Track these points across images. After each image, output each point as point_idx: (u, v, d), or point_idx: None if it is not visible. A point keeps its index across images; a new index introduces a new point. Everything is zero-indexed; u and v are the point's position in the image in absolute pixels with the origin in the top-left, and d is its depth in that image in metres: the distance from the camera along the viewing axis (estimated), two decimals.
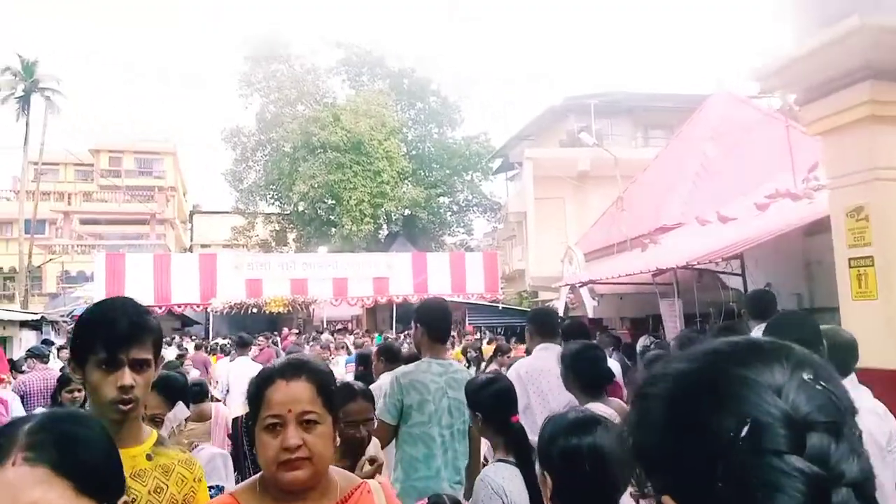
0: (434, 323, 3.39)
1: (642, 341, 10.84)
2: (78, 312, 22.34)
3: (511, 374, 3.74)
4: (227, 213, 34.52)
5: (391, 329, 20.30)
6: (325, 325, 20.80)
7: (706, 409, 0.65)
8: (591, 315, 10.81)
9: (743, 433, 0.61)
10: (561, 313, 12.00)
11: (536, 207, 19.28)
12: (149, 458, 1.66)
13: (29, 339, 12.78)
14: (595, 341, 5.48)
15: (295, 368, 1.48)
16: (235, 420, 5.20)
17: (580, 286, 10.88)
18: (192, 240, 45.15)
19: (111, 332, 1.56)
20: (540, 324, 4.13)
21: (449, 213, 33.22)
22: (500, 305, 16.47)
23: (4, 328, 10.33)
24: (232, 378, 7.85)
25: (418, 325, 3.41)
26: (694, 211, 11.82)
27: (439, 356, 3.36)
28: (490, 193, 33.16)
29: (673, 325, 9.95)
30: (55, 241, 34.82)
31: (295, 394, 1.43)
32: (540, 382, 3.73)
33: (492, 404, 2.57)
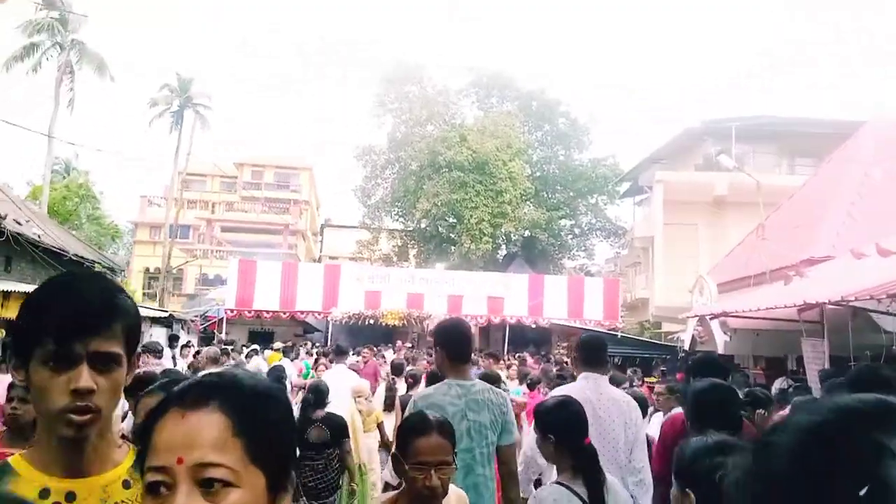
0: (453, 344, 3.32)
1: (779, 383, 9.79)
2: (211, 313, 23.85)
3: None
4: (354, 227, 35.71)
5: (504, 350, 19.87)
6: None
7: (828, 469, 0.63)
8: (721, 350, 9.88)
9: (862, 493, 0.59)
10: (687, 346, 11.12)
11: (665, 233, 18.25)
12: (126, 485, 1.25)
13: (159, 335, 13.65)
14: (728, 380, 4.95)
15: (203, 390, 0.87)
16: None
17: (711, 318, 9.99)
18: (321, 251, 47.20)
19: (63, 313, 1.14)
20: (587, 351, 3.97)
21: (570, 237, 32.43)
22: (619, 334, 15.59)
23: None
24: None
25: (437, 347, 3.35)
26: (847, 243, 10.61)
27: (462, 377, 3.27)
28: (615, 218, 32.10)
29: (817, 368, 8.89)
30: (197, 245, 37.53)
31: (192, 433, 0.84)
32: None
33: (564, 427, 2.55)
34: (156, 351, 6.83)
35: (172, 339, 12.62)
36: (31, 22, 23.99)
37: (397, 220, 32.48)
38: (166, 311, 16.06)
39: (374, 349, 14.40)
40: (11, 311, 8.73)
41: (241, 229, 39.34)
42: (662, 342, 14.05)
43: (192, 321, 21.21)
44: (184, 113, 29.90)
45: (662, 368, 10.25)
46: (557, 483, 2.39)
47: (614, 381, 8.02)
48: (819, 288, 8.73)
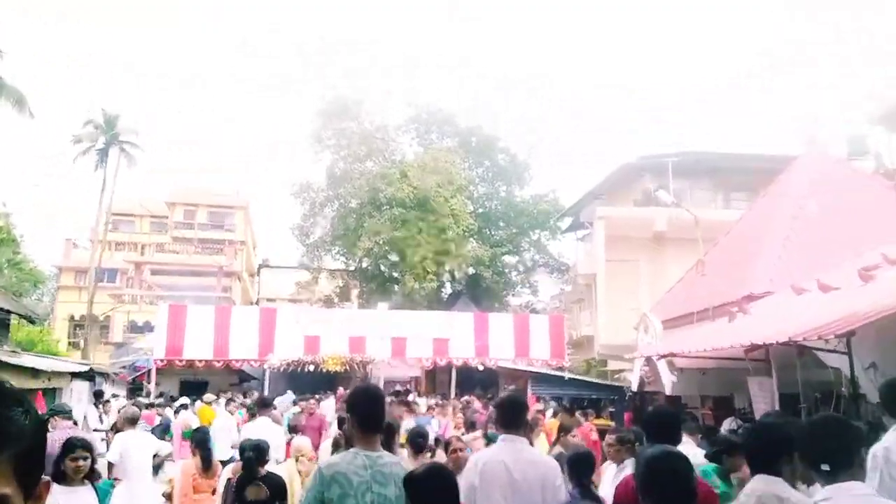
0: (363, 411, 3.26)
1: (728, 424, 9.61)
2: (140, 363, 22.47)
3: (469, 465, 3.88)
4: (293, 268, 34.78)
5: (450, 394, 19.32)
6: (382, 387, 20.02)
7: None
8: (668, 391, 9.65)
9: None
10: (634, 388, 10.85)
11: (608, 269, 18.25)
12: None
13: (81, 389, 12.58)
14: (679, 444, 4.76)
15: None
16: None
17: (658, 359, 9.77)
18: (259, 293, 45.75)
19: None
20: (505, 413, 3.98)
21: (514, 273, 32.33)
22: (567, 375, 15.31)
23: (49, 379, 9.98)
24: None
25: (348, 413, 3.31)
26: (785, 278, 10.63)
27: (370, 447, 3.19)
28: (558, 254, 32.25)
29: (765, 407, 8.74)
30: (125, 290, 35.80)
31: None
32: (498, 478, 3.65)
33: (432, 497, 2.61)
34: (63, 412, 6.11)
35: (97, 396, 11.62)
36: None
37: (338, 259, 31.76)
38: (87, 364, 14.77)
39: (316, 398, 13.59)
40: None
41: (173, 272, 37.81)
42: (610, 382, 13.83)
43: (116, 374, 19.89)
44: (109, 150, 28.65)
45: (611, 409, 9.94)
46: None
47: (564, 429, 7.62)
48: (763, 326, 8.62)
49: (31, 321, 14.52)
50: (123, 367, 23.83)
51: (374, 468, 3.07)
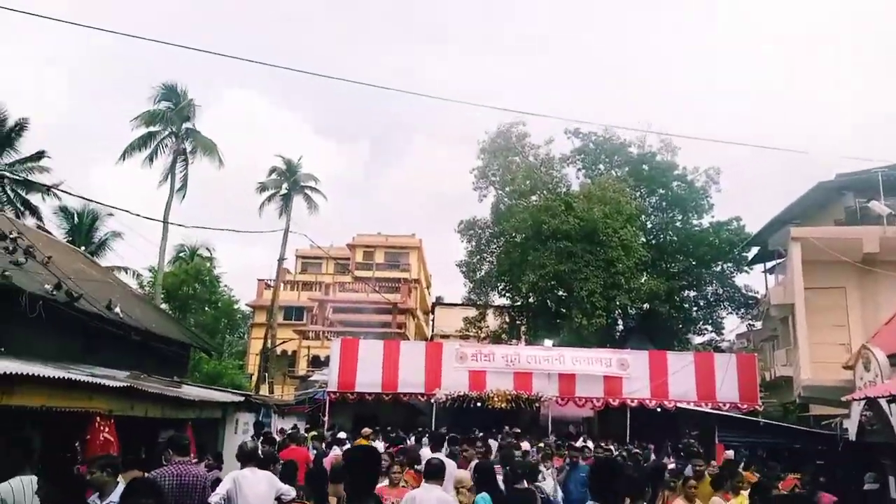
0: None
1: None
2: (318, 396, 23.38)
3: None
4: (464, 305, 34.92)
5: (626, 438, 17.77)
6: (550, 428, 19.01)
7: None
8: None
9: None
10: (852, 435, 8.92)
11: (808, 299, 15.79)
12: None
13: (248, 420, 13.07)
14: None
15: None
16: None
17: (889, 399, 7.87)
18: (433, 330, 46.74)
19: None
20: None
21: (695, 309, 29.75)
22: (762, 421, 13.27)
23: (202, 410, 10.09)
24: None
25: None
26: None
27: None
28: (744, 287, 29.21)
29: None
30: (310, 327, 38.08)
31: None
32: None
33: None
34: (180, 445, 5.46)
35: (257, 427, 11.88)
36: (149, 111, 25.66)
37: (504, 294, 31.32)
38: (241, 395, 14.64)
39: (477, 440, 12.07)
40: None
41: (352, 309, 39.66)
42: (815, 429, 11.68)
43: (285, 406, 20.81)
44: (292, 196, 30.86)
45: (819, 462, 8.22)
46: None
47: (762, 488, 6.08)
48: None
49: (209, 354, 15.61)
50: (303, 401, 24.96)
51: None
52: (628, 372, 19.72)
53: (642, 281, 26.54)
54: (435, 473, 5.44)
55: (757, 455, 9.82)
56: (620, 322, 29.54)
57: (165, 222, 21.76)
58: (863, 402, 8.42)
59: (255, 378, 32.53)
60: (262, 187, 31.19)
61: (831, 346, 13.13)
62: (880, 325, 12.35)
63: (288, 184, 31.10)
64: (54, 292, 9.26)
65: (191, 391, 10.29)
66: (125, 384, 7.63)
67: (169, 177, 26.30)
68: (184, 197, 26.48)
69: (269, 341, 29.18)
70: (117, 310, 10.94)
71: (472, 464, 7.85)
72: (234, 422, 12.11)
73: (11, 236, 9.82)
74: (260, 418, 14.51)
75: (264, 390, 28.26)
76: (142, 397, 7.94)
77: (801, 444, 10.14)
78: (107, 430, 7.07)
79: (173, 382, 10.53)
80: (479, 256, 31.14)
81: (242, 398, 13.03)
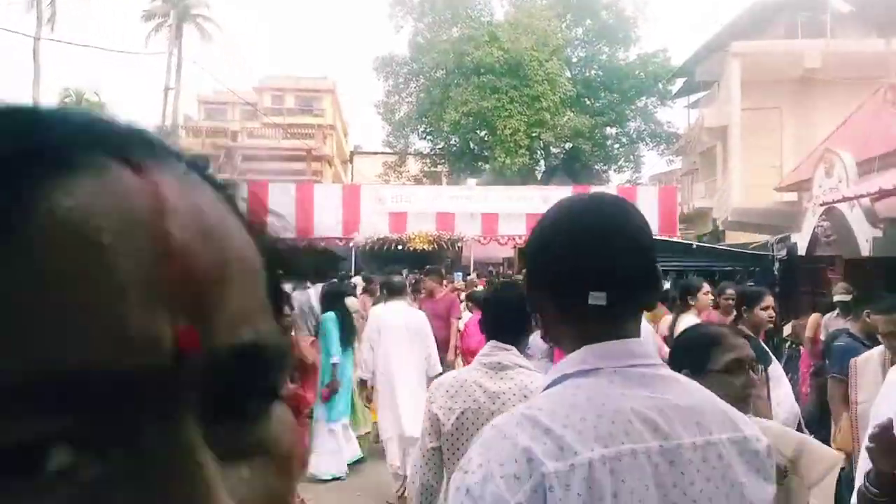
0: None
1: None
2: None
3: None
4: (385, 153, 33.36)
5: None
6: (472, 267, 18.65)
7: None
8: (866, 252, 7.19)
9: None
10: (802, 249, 8.51)
11: (742, 120, 15.20)
12: None
13: None
14: None
15: None
16: None
17: (854, 201, 7.07)
18: (352, 179, 45.17)
19: None
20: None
21: (616, 146, 29.33)
22: (695, 243, 13.02)
23: None
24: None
25: None
26: None
27: None
28: (666, 123, 28.80)
29: None
30: (218, 176, 35.74)
31: None
32: None
33: None
34: None
35: None
36: None
37: (424, 138, 29.89)
38: None
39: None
40: None
41: (263, 157, 37.28)
42: (751, 251, 11.46)
43: None
44: (183, 27, 27.33)
45: (751, 283, 7.89)
46: None
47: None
48: None
49: None
50: None
51: None
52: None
53: (567, 118, 25.57)
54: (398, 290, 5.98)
55: (684, 276, 9.51)
56: (542, 162, 28.91)
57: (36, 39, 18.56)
58: (818, 213, 7.94)
59: None
60: (147, 16, 27.38)
61: (763, 168, 12.76)
62: (816, 145, 11.90)
63: (176, 11, 27.38)
64: None
65: None
66: None
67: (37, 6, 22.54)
68: (52, 28, 22.90)
69: None
70: None
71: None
72: None
73: None
74: None
75: None
76: None
77: (735, 265, 9.93)
78: None
79: None
80: (397, 96, 29.22)
81: None
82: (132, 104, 69.91)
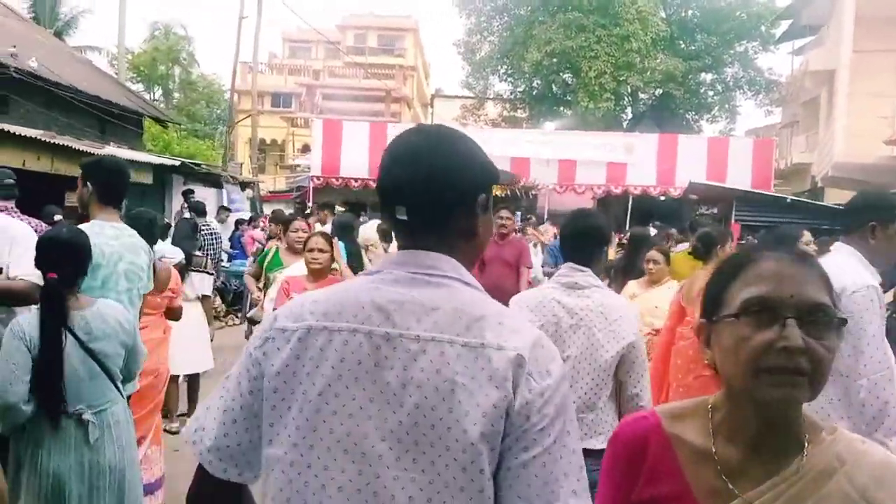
0: (106, 181, 3.14)
1: None
2: (303, 183, 22.24)
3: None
4: (466, 97, 32.55)
5: (626, 226, 16.73)
6: (546, 217, 18.01)
7: None
8: None
9: None
10: None
11: (854, 64, 13.65)
12: None
13: (210, 196, 11.99)
14: None
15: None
16: None
17: None
18: (431, 122, 44.75)
19: None
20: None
21: (711, 93, 27.40)
22: (789, 197, 11.88)
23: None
24: None
25: (87, 182, 3.11)
26: None
27: (113, 220, 3.14)
28: (767, 70, 26.55)
29: None
30: (298, 114, 36.03)
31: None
32: None
33: None
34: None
35: (185, 195, 10.49)
36: None
37: (505, 80, 28.86)
38: (175, 159, 12.53)
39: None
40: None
41: (344, 97, 37.26)
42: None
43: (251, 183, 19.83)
44: None
45: None
46: None
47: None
48: None
49: (163, 124, 13.99)
50: (291, 189, 24.00)
51: (121, 239, 3.05)
52: (633, 157, 18.25)
53: (658, 61, 23.93)
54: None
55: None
56: (629, 109, 27.44)
57: None
58: None
59: (244, 166, 31.30)
60: None
61: (872, 119, 11.43)
62: None
63: None
64: None
65: (112, 150, 8.96)
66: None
67: None
68: None
69: (253, 130, 27.24)
70: (32, 62, 9.19)
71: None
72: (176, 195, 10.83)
73: None
74: (225, 202, 13.36)
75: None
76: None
77: (829, 224, 8.94)
78: None
79: (95, 143, 9.12)
80: (478, 35, 28.16)
81: (178, 163, 11.62)
82: (217, 38, 70.84)
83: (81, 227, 2.95)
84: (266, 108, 37.67)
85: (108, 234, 2.99)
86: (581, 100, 23.06)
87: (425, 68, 51.54)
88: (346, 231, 6.42)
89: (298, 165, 29.91)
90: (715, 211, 15.85)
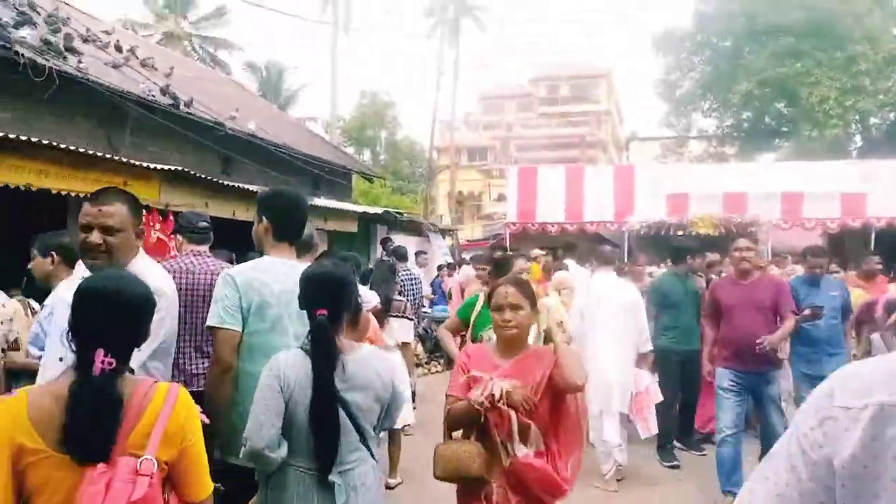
0: (282, 214, 2.88)
1: None
2: (499, 230, 22.46)
3: None
4: (663, 138, 31.25)
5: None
6: (770, 256, 16.20)
7: None
8: None
9: None
10: None
11: None
12: None
13: (411, 244, 12.40)
14: None
15: None
16: None
17: None
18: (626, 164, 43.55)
19: None
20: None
21: None
22: None
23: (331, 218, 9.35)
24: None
25: (262, 216, 2.86)
26: None
27: (285, 257, 2.84)
28: None
29: None
30: (493, 165, 36.88)
31: None
32: None
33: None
34: (193, 228, 3.91)
35: (384, 242, 10.75)
36: None
37: (709, 115, 27.15)
38: (379, 209, 13.47)
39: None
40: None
41: (537, 146, 37.59)
42: None
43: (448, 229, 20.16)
44: (460, 20, 28.30)
45: None
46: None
47: None
48: None
49: (369, 180, 14.81)
50: (488, 237, 24.36)
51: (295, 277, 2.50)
52: (873, 186, 15.92)
53: (892, 81, 21.07)
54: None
55: None
56: (858, 136, 24.33)
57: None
58: None
59: (444, 218, 32.54)
60: (428, 12, 28.91)
61: None
62: None
63: (454, 6, 28.53)
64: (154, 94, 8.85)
65: (322, 202, 9.52)
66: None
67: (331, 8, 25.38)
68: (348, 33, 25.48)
69: (452, 184, 28.33)
70: (251, 125, 10.23)
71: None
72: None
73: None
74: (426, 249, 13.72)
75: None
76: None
77: None
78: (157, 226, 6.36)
79: (312, 194, 9.77)
80: (678, 73, 26.94)
81: (381, 211, 12.09)
82: (414, 99, 75.86)
83: (247, 263, 2.82)
84: (463, 162, 39.15)
85: (279, 270, 2.73)
86: (804, 128, 20.86)
87: (619, 112, 50.59)
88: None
89: (495, 213, 30.42)
90: None
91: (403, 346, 5.57)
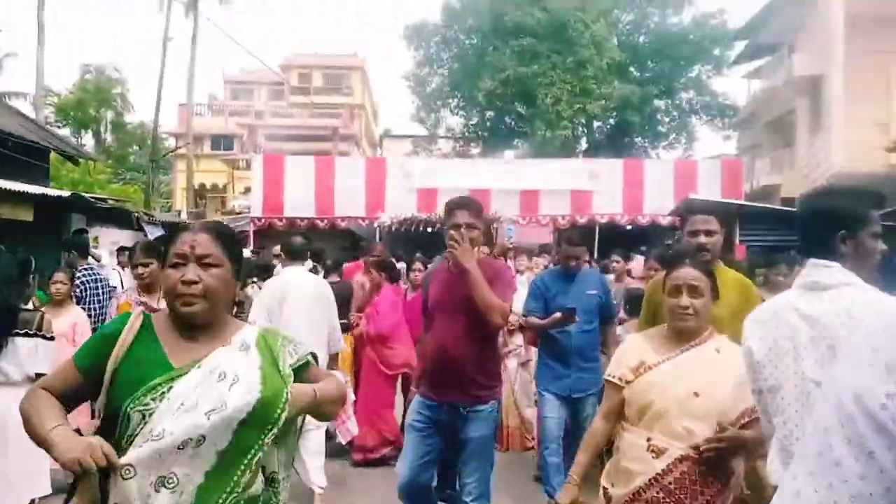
0: None
1: None
2: (243, 226, 20.47)
3: None
4: (415, 136, 31.44)
5: (593, 256, 15.47)
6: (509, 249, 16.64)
7: None
8: None
9: None
10: None
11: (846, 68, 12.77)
12: None
13: (122, 239, 10.27)
14: None
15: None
16: None
17: None
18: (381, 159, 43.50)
19: None
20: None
21: (667, 120, 26.85)
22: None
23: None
24: None
25: None
26: None
27: None
28: (721, 95, 26.17)
29: None
30: (239, 156, 34.25)
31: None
32: None
33: None
34: None
35: (76, 233, 8.56)
36: None
37: (457, 113, 27.86)
38: (65, 192, 10.29)
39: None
40: None
41: (287, 137, 35.67)
42: None
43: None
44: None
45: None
46: None
47: None
48: None
49: (74, 161, 12.26)
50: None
51: None
52: (599, 184, 17.18)
53: (614, 87, 23.21)
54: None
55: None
56: (585, 138, 26.65)
57: None
58: None
59: (182, 213, 29.23)
60: None
61: (865, 126, 10.54)
62: None
63: None
64: None
65: None
66: None
67: None
68: None
69: (189, 170, 25.40)
70: None
71: None
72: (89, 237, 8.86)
73: None
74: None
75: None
76: None
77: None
78: None
79: None
80: (428, 68, 27.19)
81: (68, 194, 9.65)
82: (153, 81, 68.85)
83: None
84: (206, 151, 35.84)
85: None
86: (538, 128, 22.09)
87: (374, 108, 50.51)
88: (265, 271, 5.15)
89: (241, 206, 28.04)
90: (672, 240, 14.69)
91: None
